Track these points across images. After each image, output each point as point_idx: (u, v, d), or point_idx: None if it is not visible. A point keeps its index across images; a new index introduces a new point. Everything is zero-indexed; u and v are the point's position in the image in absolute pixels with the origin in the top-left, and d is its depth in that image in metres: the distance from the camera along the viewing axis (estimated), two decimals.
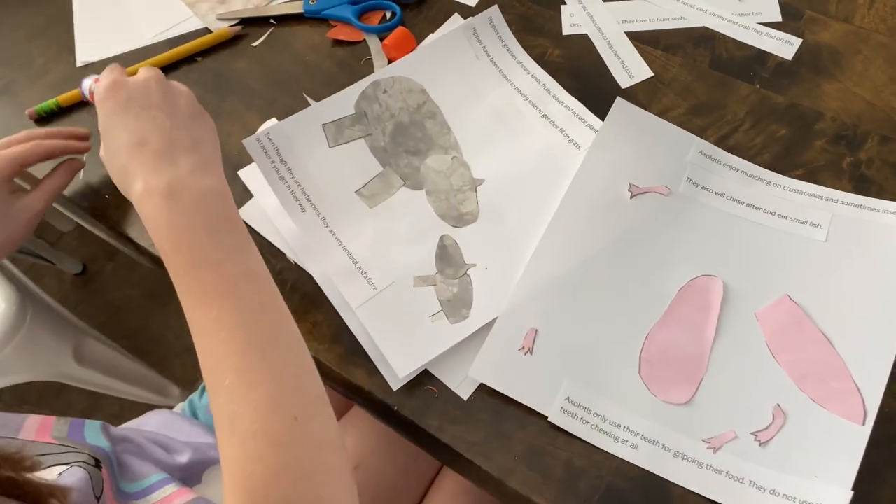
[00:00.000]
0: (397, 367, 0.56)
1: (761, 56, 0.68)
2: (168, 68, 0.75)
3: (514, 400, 0.55)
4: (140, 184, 0.48)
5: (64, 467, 0.48)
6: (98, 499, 0.49)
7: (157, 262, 0.65)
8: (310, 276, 0.62)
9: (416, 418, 0.56)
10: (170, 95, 0.53)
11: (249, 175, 0.67)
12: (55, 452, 0.50)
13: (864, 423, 0.51)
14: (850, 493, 0.49)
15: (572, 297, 0.58)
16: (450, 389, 0.56)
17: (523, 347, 0.56)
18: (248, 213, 0.65)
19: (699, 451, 0.52)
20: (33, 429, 0.54)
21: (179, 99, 0.54)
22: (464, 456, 0.54)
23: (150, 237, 0.48)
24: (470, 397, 0.56)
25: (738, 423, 0.53)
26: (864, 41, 0.68)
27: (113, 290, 1.69)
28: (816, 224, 0.59)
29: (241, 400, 0.42)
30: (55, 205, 0.67)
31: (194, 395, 0.82)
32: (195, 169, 0.49)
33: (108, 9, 0.81)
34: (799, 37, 0.69)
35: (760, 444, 0.52)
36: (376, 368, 0.58)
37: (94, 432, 0.59)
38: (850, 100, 0.65)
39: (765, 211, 0.60)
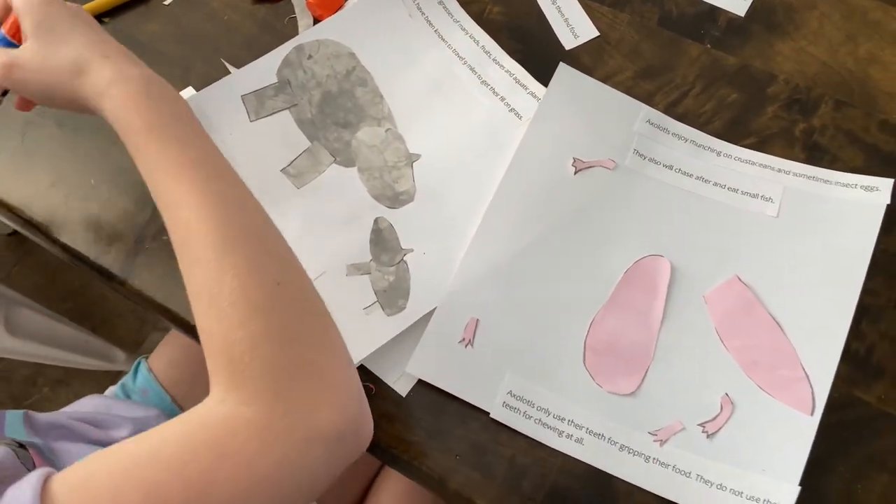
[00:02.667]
0: None
1: (713, 12, 0.64)
2: None
3: (455, 395, 0.52)
4: (108, 72, 0.47)
5: None
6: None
7: (71, 253, 0.61)
8: None
9: None
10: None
11: None
12: None
13: (812, 414, 0.50)
14: (798, 489, 0.48)
15: (515, 283, 0.55)
16: (387, 386, 0.54)
17: (463, 339, 0.53)
18: None
19: (646, 444, 0.50)
20: None
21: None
22: (402, 457, 0.52)
23: (116, 124, 0.46)
24: (409, 394, 0.53)
25: (686, 413, 0.51)
26: None
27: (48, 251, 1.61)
28: (768, 198, 0.56)
29: (219, 268, 0.40)
30: None
31: (127, 379, 0.78)
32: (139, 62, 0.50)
33: None
34: None
35: (708, 436, 0.50)
36: None
37: (15, 426, 0.57)
38: (805, 60, 0.61)
39: (715, 184, 0.57)
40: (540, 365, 0.53)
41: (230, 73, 0.64)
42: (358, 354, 0.53)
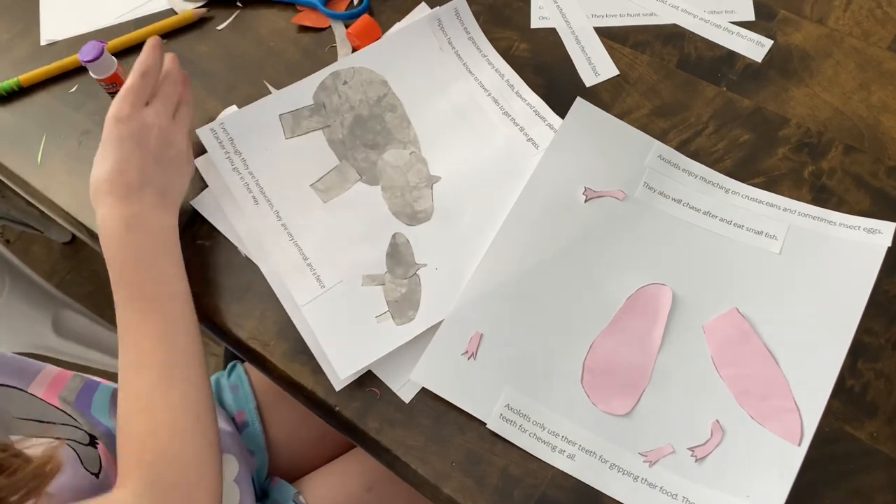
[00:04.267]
0: (339, 368, 0.56)
1: (730, 57, 0.67)
2: (132, 50, 0.74)
3: (455, 405, 0.55)
4: (106, 208, 0.55)
5: (54, 443, 0.50)
6: (97, 474, 0.53)
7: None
8: (259, 270, 0.61)
9: (356, 419, 0.56)
10: (164, 145, 0.59)
11: (205, 165, 0.66)
12: (53, 422, 0.54)
13: (800, 444, 0.51)
14: None
15: (520, 302, 0.57)
16: (392, 391, 0.56)
17: (467, 352, 0.56)
18: (201, 203, 0.64)
19: (635, 464, 0.52)
20: (45, 382, 0.57)
21: (170, 149, 0.59)
22: (401, 459, 0.54)
23: (103, 249, 0.56)
24: (412, 400, 0.56)
25: (677, 437, 0.52)
26: (837, 44, 0.66)
27: (100, 260, 1.68)
28: (772, 235, 0.58)
29: (162, 394, 0.52)
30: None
31: (221, 374, 0.78)
32: (155, 206, 0.57)
33: None
34: (770, 38, 0.67)
35: (696, 460, 0.51)
36: (320, 367, 0.57)
37: (101, 406, 0.60)
38: (818, 106, 0.63)
39: (721, 220, 0.59)
40: (538, 381, 0.55)
41: (271, 93, 0.69)
42: (366, 360, 0.56)
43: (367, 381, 0.57)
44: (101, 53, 0.65)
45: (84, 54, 0.64)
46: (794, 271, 0.56)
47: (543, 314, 0.57)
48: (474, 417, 0.54)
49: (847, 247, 0.57)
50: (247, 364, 0.77)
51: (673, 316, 0.56)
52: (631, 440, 0.52)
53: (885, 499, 0.49)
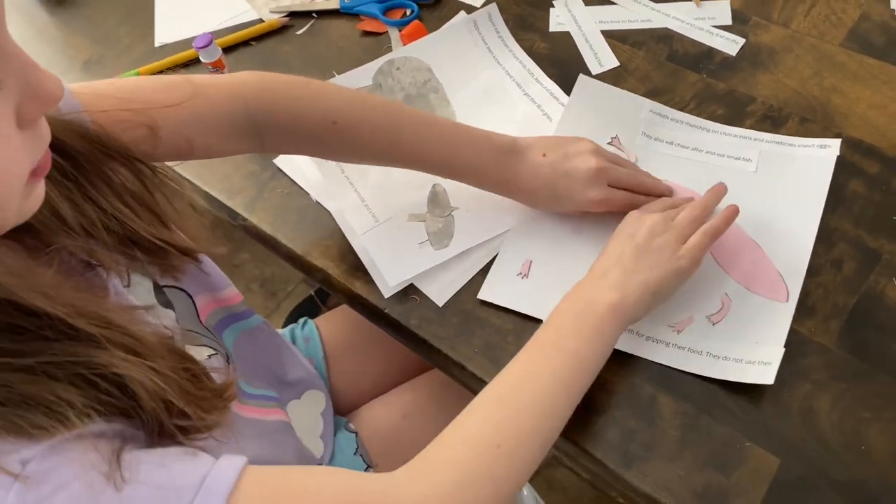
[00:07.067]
0: (389, 279, 0.71)
1: (710, 52, 0.82)
2: (228, 49, 0.93)
3: (477, 308, 0.69)
4: (613, 295, 0.59)
5: (212, 352, 0.60)
6: None
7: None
8: (326, 211, 0.77)
9: (401, 319, 0.70)
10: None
11: None
12: (206, 335, 0.61)
13: (787, 301, 0.65)
14: (783, 349, 0.62)
15: (559, 234, 0.72)
16: (429, 299, 0.71)
17: (521, 273, 0.70)
18: (281, 161, 0.81)
19: (666, 333, 0.65)
20: (208, 300, 0.64)
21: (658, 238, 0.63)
22: (435, 346, 0.68)
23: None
24: (445, 305, 0.70)
25: (696, 310, 0.66)
26: (798, 42, 0.81)
27: None
28: (748, 159, 0.73)
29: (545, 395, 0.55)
30: None
31: (296, 326, 0.89)
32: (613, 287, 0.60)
33: (182, 1, 0.99)
34: (743, 37, 0.82)
35: (713, 325, 0.65)
36: (373, 281, 0.72)
37: (230, 338, 0.68)
38: (780, 88, 0.78)
39: (707, 153, 0.75)
40: None
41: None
42: (410, 273, 0.71)
43: (410, 291, 0.71)
44: (211, 42, 0.83)
45: (197, 42, 0.83)
46: (768, 182, 0.72)
47: (577, 240, 0.71)
48: (492, 316, 0.69)
49: (806, 160, 0.72)
50: (317, 320, 0.90)
51: None
52: (660, 317, 0.65)
53: (818, 376, 0.62)
